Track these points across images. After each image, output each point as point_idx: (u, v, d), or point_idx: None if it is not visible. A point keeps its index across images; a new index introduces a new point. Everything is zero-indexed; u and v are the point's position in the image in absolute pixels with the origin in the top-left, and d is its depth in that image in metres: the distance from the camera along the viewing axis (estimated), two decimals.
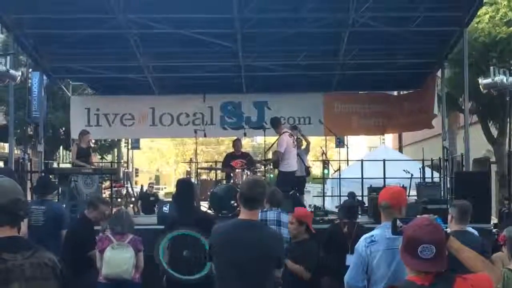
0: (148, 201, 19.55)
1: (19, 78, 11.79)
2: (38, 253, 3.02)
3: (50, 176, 12.77)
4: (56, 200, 12.08)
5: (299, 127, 14.82)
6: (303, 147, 14.89)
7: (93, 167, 13.68)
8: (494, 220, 12.22)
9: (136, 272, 7.62)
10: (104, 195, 15.64)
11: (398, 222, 3.79)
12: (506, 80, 11.27)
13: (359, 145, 47.09)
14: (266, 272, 4.63)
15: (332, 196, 17.13)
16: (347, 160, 19.51)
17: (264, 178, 13.69)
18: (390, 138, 39.72)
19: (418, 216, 3.70)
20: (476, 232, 8.28)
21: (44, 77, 16.42)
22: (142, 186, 24.89)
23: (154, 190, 23.81)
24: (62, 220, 8.65)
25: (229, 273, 4.58)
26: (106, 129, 16.94)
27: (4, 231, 3.04)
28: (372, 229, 5.01)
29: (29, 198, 10.85)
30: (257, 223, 4.82)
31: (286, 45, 14.28)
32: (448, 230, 3.73)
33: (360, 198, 14.66)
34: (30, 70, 20.18)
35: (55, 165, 19.26)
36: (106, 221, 8.26)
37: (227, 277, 4.61)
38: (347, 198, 14.35)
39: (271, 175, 13.56)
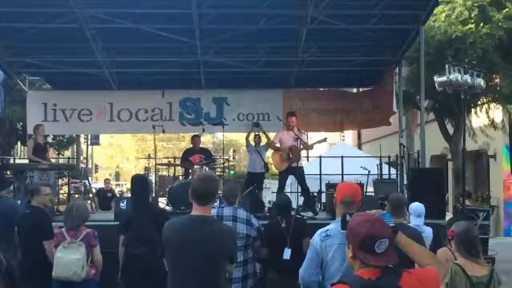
0: (104, 197, 19.38)
1: None
2: None
3: (6, 172, 12.59)
4: (12, 196, 11.88)
5: (261, 124, 14.84)
6: (263, 143, 14.93)
7: (49, 162, 13.53)
8: (449, 215, 12.44)
9: (91, 268, 7.52)
10: (61, 191, 15.51)
11: (347, 217, 3.82)
12: (461, 78, 11.41)
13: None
14: (218, 268, 4.62)
15: (291, 192, 17.16)
16: (307, 157, 19.58)
17: (223, 173, 13.74)
18: (350, 135, 40.01)
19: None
20: (429, 228, 8.46)
21: (1, 72, 16.13)
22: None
23: (114, 187, 23.62)
24: (16, 216, 8.49)
25: (181, 269, 4.57)
26: (63, 124, 16.63)
27: None
28: (326, 224, 5.04)
29: None
30: (209, 219, 4.78)
31: (245, 41, 14.28)
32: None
33: (316, 194, 14.74)
34: None
35: (11, 160, 18.91)
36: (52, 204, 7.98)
37: (179, 273, 4.59)
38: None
39: (231, 171, 13.55)
